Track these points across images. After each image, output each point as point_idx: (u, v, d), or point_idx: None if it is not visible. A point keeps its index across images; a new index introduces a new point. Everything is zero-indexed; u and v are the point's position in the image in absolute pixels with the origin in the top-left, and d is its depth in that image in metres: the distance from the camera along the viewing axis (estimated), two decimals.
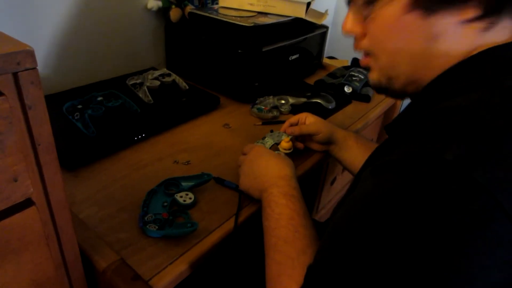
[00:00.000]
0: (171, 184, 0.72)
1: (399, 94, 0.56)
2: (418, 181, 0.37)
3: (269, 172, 0.68)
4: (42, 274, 0.49)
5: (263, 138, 0.89)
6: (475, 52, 0.46)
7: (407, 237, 0.36)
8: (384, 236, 0.38)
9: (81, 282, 0.56)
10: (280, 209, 0.60)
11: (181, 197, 0.69)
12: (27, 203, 0.44)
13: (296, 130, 0.86)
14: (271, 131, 0.91)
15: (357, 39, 0.56)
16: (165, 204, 0.67)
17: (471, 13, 0.44)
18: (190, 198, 0.69)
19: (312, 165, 0.87)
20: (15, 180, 0.41)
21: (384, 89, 0.56)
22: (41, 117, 0.41)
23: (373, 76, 0.56)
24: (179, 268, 0.58)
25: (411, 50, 0.49)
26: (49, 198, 0.46)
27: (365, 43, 0.54)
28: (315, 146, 0.90)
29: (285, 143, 0.85)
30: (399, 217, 0.37)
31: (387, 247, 0.37)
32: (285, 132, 0.87)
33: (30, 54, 0.38)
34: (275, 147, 0.88)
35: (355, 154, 0.84)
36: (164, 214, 0.64)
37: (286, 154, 0.83)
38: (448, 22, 0.46)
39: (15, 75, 0.37)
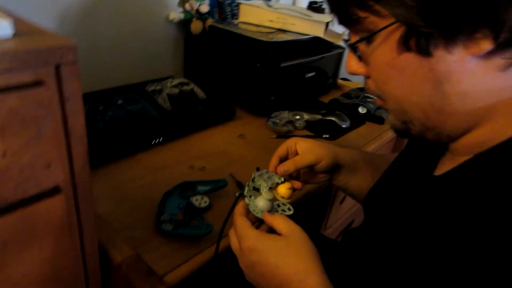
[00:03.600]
0: (188, 187, 0.73)
1: (422, 140, 0.49)
2: None
3: (288, 286, 0.48)
4: (62, 263, 0.51)
5: (252, 179, 0.61)
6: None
7: None
8: None
9: (97, 274, 0.57)
10: None
11: (196, 200, 0.70)
12: (56, 190, 0.46)
13: (290, 167, 0.63)
14: (257, 169, 0.63)
15: (366, 79, 0.51)
16: (181, 206, 0.68)
17: (482, 45, 0.38)
18: (206, 202, 0.70)
19: (321, 184, 0.87)
20: (48, 167, 0.43)
21: (403, 133, 0.50)
22: (76, 109, 0.44)
23: (390, 119, 0.51)
24: (192, 267, 0.59)
25: (417, 95, 0.44)
26: (76, 188, 0.48)
27: (371, 85, 0.50)
28: (317, 179, 0.71)
29: (285, 190, 0.60)
30: None
31: None
32: (275, 173, 0.63)
33: (73, 49, 0.41)
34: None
35: (364, 177, 0.70)
36: (179, 216, 0.66)
37: (287, 204, 0.60)
38: (455, 61, 0.40)
39: (57, 67, 0.40)
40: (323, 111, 1.15)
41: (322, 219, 1.11)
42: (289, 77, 1.14)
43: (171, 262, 0.60)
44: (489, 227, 0.37)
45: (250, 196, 0.58)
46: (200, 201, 0.70)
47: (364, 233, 0.60)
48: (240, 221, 0.54)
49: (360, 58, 0.49)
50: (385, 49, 0.44)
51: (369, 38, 0.45)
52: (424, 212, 0.44)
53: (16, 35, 0.37)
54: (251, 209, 0.56)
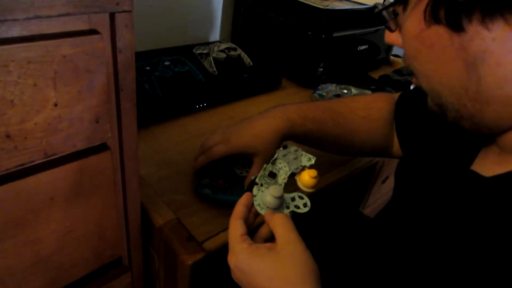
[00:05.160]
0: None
1: (462, 128, 0.42)
2: None
3: None
4: (105, 221, 0.50)
5: (273, 161, 0.53)
6: None
7: None
8: None
9: (138, 235, 0.57)
10: None
11: (238, 168, 0.68)
12: (103, 147, 0.44)
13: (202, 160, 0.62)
14: (284, 147, 0.54)
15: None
16: (222, 172, 0.66)
17: None
18: (247, 171, 0.68)
19: (366, 161, 0.83)
20: (97, 122, 0.41)
21: (439, 114, 0.43)
22: (128, 62, 0.42)
23: (428, 100, 0.44)
24: None
25: (447, 77, 0.38)
26: (123, 146, 0.46)
27: (404, 58, 0.44)
28: None
29: (308, 178, 0.51)
30: None
31: None
32: (304, 153, 0.54)
33: None
34: (291, 183, 0.52)
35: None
36: (219, 181, 0.64)
37: (304, 198, 0.50)
38: (493, 39, 0.33)
39: (112, 15, 0.37)
40: (373, 87, 1.09)
41: (363, 197, 1.07)
42: (340, 49, 1.08)
43: (211, 229, 0.59)
44: None
45: (261, 185, 0.50)
46: (241, 169, 0.68)
47: (395, 210, 0.56)
48: (232, 227, 0.46)
49: (396, 26, 0.43)
50: (414, 18, 0.38)
51: (404, 2, 0.39)
52: (467, 213, 0.40)
53: None
54: (255, 204, 0.48)
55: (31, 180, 0.38)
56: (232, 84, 0.95)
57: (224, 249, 0.57)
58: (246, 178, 0.62)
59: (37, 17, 0.30)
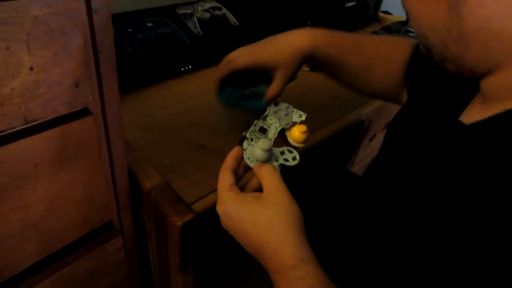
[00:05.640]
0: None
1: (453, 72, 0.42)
2: None
3: (262, 260, 0.44)
4: (93, 186, 0.50)
5: (264, 117, 0.54)
6: None
7: None
8: None
9: (126, 198, 0.57)
10: None
11: (259, 86, 0.67)
12: (85, 112, 0.44)
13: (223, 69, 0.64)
14: (275, 104, 0.56)
15: None
16: (245, 86, 0.67)
17: None
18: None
19: (353, 120, 0.84)
20: (76, 86, 0.40)
21: (428, 59, 0.43)
22: (105, 23, 0.40)
23: (419, 44, 0.45)
24: None
25: (431, 17, 0.39)
26: (105, 110, 0.46)
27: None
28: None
29: (298, 133, 0.52)
30: None
31: None
32: (295, 110, 0.55)
33: None
34: (280, 140, 0.53)
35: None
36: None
37: (294, 152, 0.51)
38: None
39: None
40: None
41: (350, 155, 1.08)
42: (327, 5, 1.05)
43: (199, 191, 0.59)
44: None
45: (251, 140, 0.51)
46: (263, 88, 0.65)
47: (382, 165, 0.57)
48: (221, 178, 0.47)
49: None
50: None
51: None
52: (451, 162, 0.40)
53: None
54: (245, 157, 0.49)
55: (13, 147, 0.38)
56: (218, 45, 0.93)
57: (213, 210, 0.58)
58: (266, 94, 0.62)
59: None
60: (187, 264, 0.62)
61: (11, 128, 0.36)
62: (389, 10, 1.80)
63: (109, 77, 0.43)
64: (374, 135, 1.13)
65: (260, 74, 0.65)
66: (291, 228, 0.42)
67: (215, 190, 0.59)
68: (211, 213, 0.58)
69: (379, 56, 0.67)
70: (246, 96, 0.64)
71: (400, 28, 1.21)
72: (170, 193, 0.57)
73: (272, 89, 0.62)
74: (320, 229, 0.60)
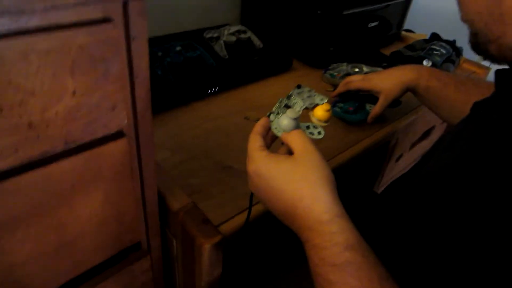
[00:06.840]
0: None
1: (494, 59, 0.45)
2: None
3: (293, 218, 0.43)
4: (124, 206, 0.51)
5: (289, 96, 0.55)
6: None
7: None
8: None
9: (155, 219, 0.58)
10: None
11: (367, 104, 0.87)
12: (120, 134, 0.45)
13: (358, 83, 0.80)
14: (298, 86, 0.57)
15: None
16: (355, 104, 0.85)
17: None
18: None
19: (379, 139, 0.83)
20: (113, 109, 0.42)
21: (476, 48, 0.46)
22: (142, 50, 0.42)
23: (469, 35, 0.47)
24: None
25: (477, 2, 0.42)
26: (138, 132, 0.47)
27: None
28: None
29: (322, 111, 0.52)
30: None
31: None
32: (317, 94, 0.56)
33: None
34: (305, 115, 0.54)
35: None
36: (349, 108, 0.84)
37: (321, 127, 0.53)
38: None
39: (125, 4, 0.37)
40: (384, 64, 1.08)
41: (377, 176, 1.07)
42: (351, 27, 1.06)
43: (227, 212, 0.60)
44: None
45: (278, 113, 0.52)
46: (370, 106, 0.86)
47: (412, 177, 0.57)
48: (252, 140, 0.48)
49: None
50: None
51: None
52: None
53: None
54: (272, 127, 0.50)
55: (53, 167, 0.39)
56: (243, 67, 0.95)
57: (240, 232, 0.58)
58: (371, 113, 0.80)
59: (54, 6, 0.31)
60: (213, 287, 0.62)
61: (53, 150, 0.38)
62: (411, 29, 1.80)
63: (144, 101, 0.45)
64: (401, 155, 1.12)
65: (367, 96, 0.84)
66: (326, 186, 0.42)
67: (242, 211, 0.60)
68: (238, 235, 0.58)
69: (479, 94, 0.68)
70: (354, 110, 0.83)
71: (424, 46, 1.21)
72: (197, 214, 0.57)
73: (375, 109, 0.79)
74: None
